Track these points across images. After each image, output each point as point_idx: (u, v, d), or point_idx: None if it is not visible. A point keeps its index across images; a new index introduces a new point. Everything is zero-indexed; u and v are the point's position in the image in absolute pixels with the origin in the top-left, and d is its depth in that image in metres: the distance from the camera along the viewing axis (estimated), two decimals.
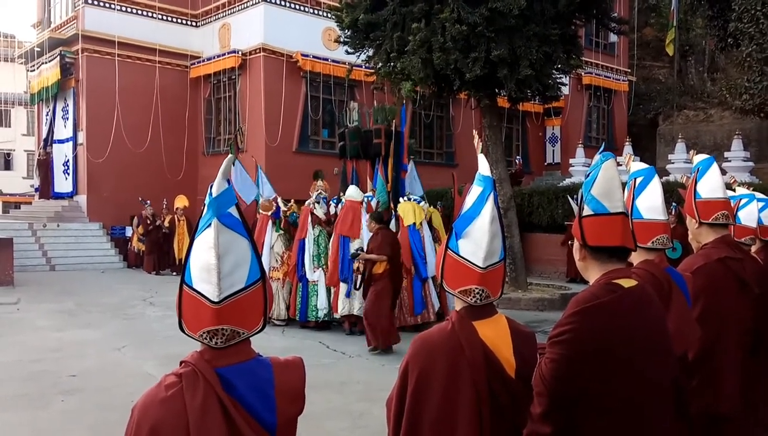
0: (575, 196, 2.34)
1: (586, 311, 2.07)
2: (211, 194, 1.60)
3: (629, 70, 27.04)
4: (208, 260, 1.56)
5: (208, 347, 1.61)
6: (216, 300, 1.56)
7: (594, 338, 2.04)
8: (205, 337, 1.59)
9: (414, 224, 9.37)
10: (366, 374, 7.05)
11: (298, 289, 9.46)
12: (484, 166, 2.21)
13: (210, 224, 1.58)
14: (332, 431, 5.19)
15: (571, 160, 20.65)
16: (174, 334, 9.07)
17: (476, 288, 2.04)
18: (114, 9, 19.28)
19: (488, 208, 2.06)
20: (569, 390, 2.04)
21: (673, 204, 11.39)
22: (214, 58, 19.67)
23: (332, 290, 9.18)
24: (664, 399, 2.12)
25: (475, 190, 2.14)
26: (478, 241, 2.05)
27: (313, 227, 9.47)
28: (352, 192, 9.34)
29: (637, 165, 3.06)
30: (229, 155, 2.25)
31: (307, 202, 9.79)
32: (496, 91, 12.44)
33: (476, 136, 2.67)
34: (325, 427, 5.13)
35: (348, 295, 8.83)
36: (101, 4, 19.18)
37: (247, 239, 1.63)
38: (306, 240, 9.41)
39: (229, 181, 1.66)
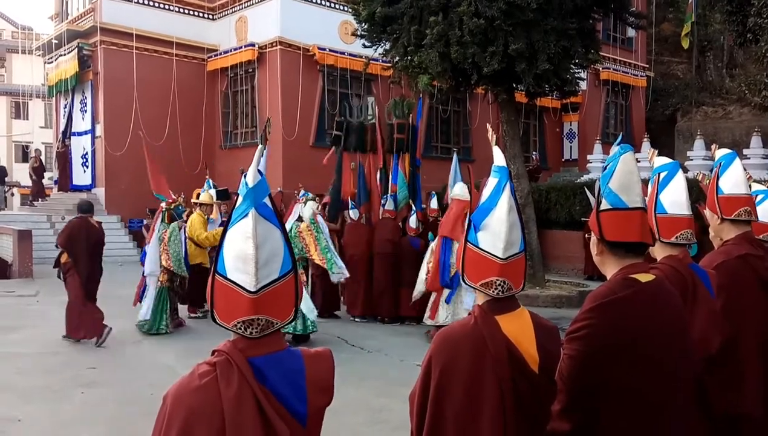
0: (592, 189, 2.32)
1: (603, 307, 2.06)
2: (246, 185, 1.61)
3: (647, 66, 26.79)
4: (245, 249, 1.57)
5: (242, 336, 1.62)
6: (253, 290, 1.57)
7: (611, 333, 2.03)
8: (240, 327, 1.60)
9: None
10: (385, 369, 7.06)
11: None
12: (499, 158, 2.19)
13: (247, 214, 1.58)
14: (352, 425, 5.19)
15: (588, 157, 20.52)
16: (193, 326, 9.15)
17: (497, 280, 2.01)
18: (131, 1, 19.38)
19: (505, 199, 2.04)
20: (587, 387, 2.03)
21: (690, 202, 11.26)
22: (230, 51, 19.73)
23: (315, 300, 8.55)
24: (685, 396, 2.09)
25: (491, 182, 2.13)
26: (496, 232, 2.03)
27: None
28: (459, 190, 8.49)
29: (661, 160, 3.03)
30: (260, 146, 2.27)
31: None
32: (514, 85, 12.38)
33: (490, 129, 2.65)
34: (344, 421, 5.13)
35: (449, 301, 8.04)
36: None
37: (280, 230, 1.65)
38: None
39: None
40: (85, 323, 8.02)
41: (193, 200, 10.98)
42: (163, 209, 8.91)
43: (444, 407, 2.02)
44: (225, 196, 10.85)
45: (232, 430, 1.54)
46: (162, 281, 8.58)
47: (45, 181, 23.11)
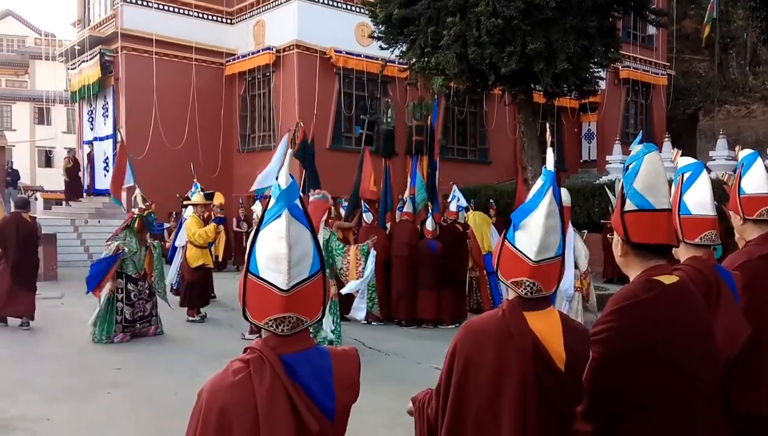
0: (613, 189, 2.32)
1: (625, 309, 2.05)
2: (279, 187, 1.66)
3: (668, 64, 26.49)
4: (278, 249, 1.62)
5: (273, 334, 1.68)
6: (285, 288, 1.62)
7: (633, 336, 2.02)
8: (272, 324, 1.66)
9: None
10: (403, 372, 7.08)
11: None
12: (549, 161, 2.18)
13: (280, 215, 1.64)
14: (372, 426, 5.22)
15: (608, 157, 20.33)
16: (215, 329, 9.25)
17: (527, 281, 2.03)
18: (151, 7, 19.60)
19: (545, 203, 2.03)
20: (609, 389, 2.03)
21: (714, 203, 11.15)
22: (248, 55, 19.86)
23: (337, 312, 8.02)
24: (708, 398, 2.08)
25: (537, 184, 2.13)
26: (532, 234, 2.03)
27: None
28: (565, 197, 8.00)
29: (685, 160, 3.02)
30: (289, 150, 2.33)
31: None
32: (532, 86, 12.33)
33: (548, 131, 2.66)
34: (364, 422, 5.16)
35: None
36: (139, 2, 19.51)
37: (310, 230, 1.70)
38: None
39: None
40: (12, 304, 9.11)
41: (184, 203, 11.14)
42: (134, 215, 8.59)
43: (466, 396, 2.03)
44: (211, 198, 11.12)
45: (266, 425, 1.60)
46: (111, 289, 8.32)
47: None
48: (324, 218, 7.60)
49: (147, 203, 8.81)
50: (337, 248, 7.57)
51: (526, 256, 2.03)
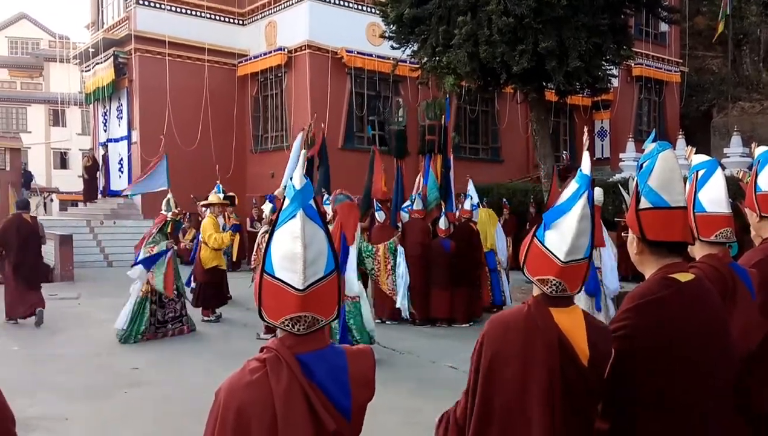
0: (626, 187, 2.31)
1: (641, 307, 2.06)
2: (294, 187, 1.68)
3: (681, 61, 26.29)
4: (293, 249, 1.64)
5: (289, 333, 1.69)
6: (301, 288, 1.64)
7: (649, 333, 2.03)
8: (288, 324, 1.67)
9: None
10: (417, 371, 7.09)
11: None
12: (585, 165, 2.17)
13: (295, 215, 1.66)
14: (386, 424, 5.23)
15: (621, 155, 20.23)
16: (231, 329, 9.30)
17: (554, 280, 2.04)
18: (164, 9, 19.73)
19: (579, 206, 2.04)
20: (625, 387, 2.03)
21: (729, 200, 11.07)
22: (260, 56, 19.94)
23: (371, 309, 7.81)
24: (721, 396, 2.08)
25: (572, 186, 2.14)
26: (564, 235, 2.04)
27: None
28: (598, 195, 7.82)
29: (699, 157, 3.01)
30: (302, 150, 2.37)
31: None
32: (544, 84, 12.28)
33: (586, 133, 2.65)
34: (379, 421, 5.16)
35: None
36: (152, 4, 19.64)
37: (324, 231, 1.71)
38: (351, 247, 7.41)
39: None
40: (21, 303, 9.28)
41: (201, 203, 11.18)
42: (168, 219, 8.84)
43: (493, 389, 2.04)
44: (232, 202, 11.06)
45: (283, 423, 1.61)
46: (144, 291, 8.45)
47: (81, 187, 23.40)
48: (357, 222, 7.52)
49: (178, 209, 9.09)
50: (366, 249, 7.50)
51: (555, 256, 2.04)
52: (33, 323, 9.24)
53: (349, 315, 7.10)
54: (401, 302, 8.09)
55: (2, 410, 1.83)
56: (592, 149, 24.95)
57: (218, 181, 11.51)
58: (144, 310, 8.41)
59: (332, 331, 6.74)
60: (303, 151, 2.08)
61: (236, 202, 17.13)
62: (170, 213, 8.85)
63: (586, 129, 2.90)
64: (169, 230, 8.84)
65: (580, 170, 2.17)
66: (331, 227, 7.02)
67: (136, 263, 8.47)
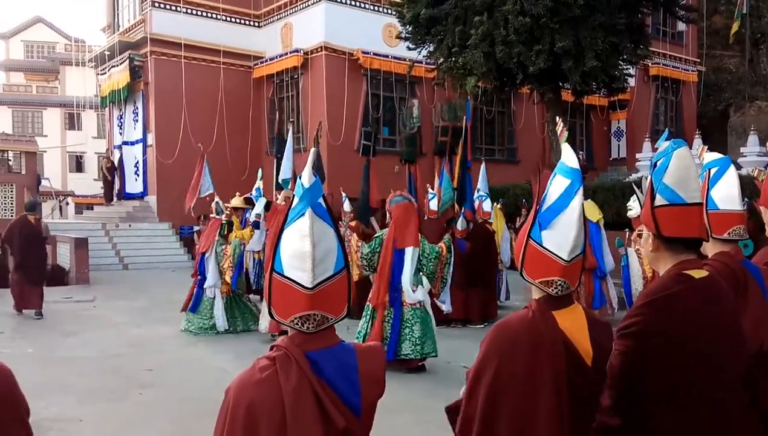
0: (640, 186, 2.29)
1: (655, 303, 2.05)
2: (302, 186, 1.67)
3: (698, 60, 26.09)
4: (302, 247, 1.63)
5: (299, 332, 1.68)
6: (310, 286, 1.63)
7: (663, 329, 2.02)
8: (297, 322, 1.67)
9: (596, 221, 9.17)
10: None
11: (388, 316, 6.74)
12: (570, 158, 2.16)
13: (304, 214, 1.65)
14: (398, 423, 5.21)
15: (637, 155, 20.03)
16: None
17: (559, 280, 2.04)
18: (179, 12, 19.84)
19: (577, 203, 2.05)
20: (638, 382, 2.02)
21: (745, 199, 10.91)
22: (276, 57, 20.00)
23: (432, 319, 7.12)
24: (736, 392, 2.07)
25: (562, 182, 2.12)
26: (565, 234, 2.04)
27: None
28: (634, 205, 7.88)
29: (711, 155, 3.03)
30: (313, 149, 2.35)
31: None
32: (560, 84, 12.20)
33: (560, 123, 2.61)
34: (392, 420, 5.14)
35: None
36: (167, 7, 19.76)
37: (333, 229, 1.70)
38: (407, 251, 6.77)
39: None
40: (25, 299, 10.01)
41: (227, 205, 11.10)
42: (223, 222, 9.07)
43: (500, 400, 2.03)
44: (252, 205, 11.01)
45: (293, 421, 1.60)
46: (224, 291, 8.86)
47: (97, 190, 23.52)
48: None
49: (227, 212, 9.39)
50: (431, 250, 6.93)
51: (557, 256, 2.04)
52: (39, 319, 9.89)
53: (405, 324, 6.66)
54: (443, 296, 7.78)
55: (17, 400, 1.86)
56: (608, 149, 24.83)
57: (259, 184, 11.29)
58: (211, 308, 8.80)
59: (383, 338, 6.47)
60: (313, 148, 2.05)
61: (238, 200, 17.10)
62: (223, 215, 9.14)
63: (559, 119, 2.85)
64: (225, 233, 9.09)
65: (565, 164, 2.14)
66: (385, 231, 6.89)
67: (201, 271, 8.83)
